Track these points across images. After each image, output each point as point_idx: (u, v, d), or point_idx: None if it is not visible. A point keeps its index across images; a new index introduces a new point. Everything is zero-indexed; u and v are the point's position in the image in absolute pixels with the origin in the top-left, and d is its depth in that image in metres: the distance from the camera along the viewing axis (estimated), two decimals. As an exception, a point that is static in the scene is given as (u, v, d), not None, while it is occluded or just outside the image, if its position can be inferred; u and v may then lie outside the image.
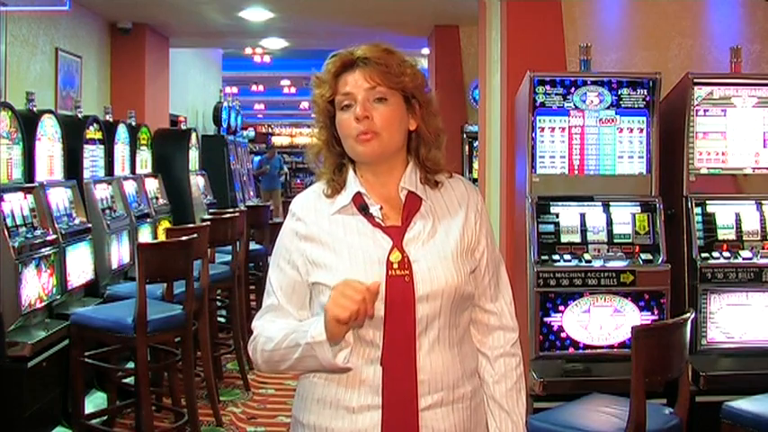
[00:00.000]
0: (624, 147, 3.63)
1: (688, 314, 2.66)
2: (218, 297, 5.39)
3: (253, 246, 6.10)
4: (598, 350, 3.43)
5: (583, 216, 3.55)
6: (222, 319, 5.95)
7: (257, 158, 16.17)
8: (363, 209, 1.63)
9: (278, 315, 1.67)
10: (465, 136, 7.13)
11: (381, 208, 1.63)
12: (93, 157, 5.13)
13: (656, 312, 3.42)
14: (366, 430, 1.57)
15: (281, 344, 1.60)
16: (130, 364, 4.25)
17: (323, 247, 1.62)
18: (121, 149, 5.65)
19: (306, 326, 1.57)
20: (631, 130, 3.62)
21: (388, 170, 1.66)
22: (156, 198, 6.24)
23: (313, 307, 1.66)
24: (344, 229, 1.62)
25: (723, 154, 3.65)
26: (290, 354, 1.58)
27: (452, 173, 1.72)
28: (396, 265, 1.57)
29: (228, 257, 5.27)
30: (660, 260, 3.46)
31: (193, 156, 7.42)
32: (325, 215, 1.65)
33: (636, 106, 3.61)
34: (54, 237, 4.13)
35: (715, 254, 3.52)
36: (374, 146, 1.59)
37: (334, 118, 1.64)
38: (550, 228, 3.51)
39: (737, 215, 3.61)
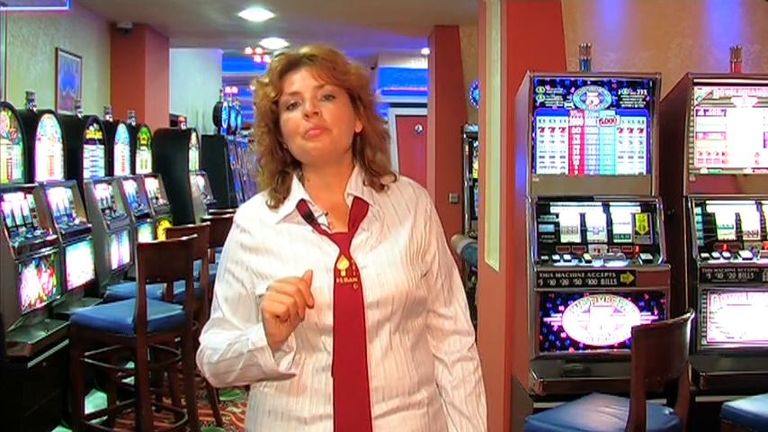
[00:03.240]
0: (624, 147, 3.62)
1: (688, 314, 2.66)
2: (218, 297, 5.39)
3: (253, 246, 6.09)
4: (598, 350, 3.43)
5: (583, 216, 3.55)
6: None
7: None
8: (308, 216, 1.59)
9: (224, 328, 1.64)
10: (465, 136, 7.11)
11: (327, 215, 1.60)
12: (93, 157, 5.14)
13: (656, 312, 3.42)
14: None
15: (226, 354, 1.57)
16: (130, 364, 4.26)
17: (269, 257, 1.58)
18: (121, 149, 5.66)
19: (246, 334, 1.54)
20: (631, 131, 3.62)
21: (336, 172, 1.63)
22: (156, 198, 6.24)
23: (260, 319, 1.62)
24: (290, 239, 1.59)
25: (723, 154, 3.65)
26: (235, 365, 1.55)
27: (398, 176, 1.69)
28: (344, 273, 1.53)
29: (228, 257, 5.27)
30: (660, 260, 3.46)
31: (193, 156, 7.43)
32: (270, 225, 1.61)
33: (636, 106, 3.61)
34: (54, 237, 4.14)
35: (715, 254, 3.52)
36: (325, 141, 1.56)
37: (277, 121, 1.61)
38: (550, 228, 3.51)
39: (737, 215, 3.60)
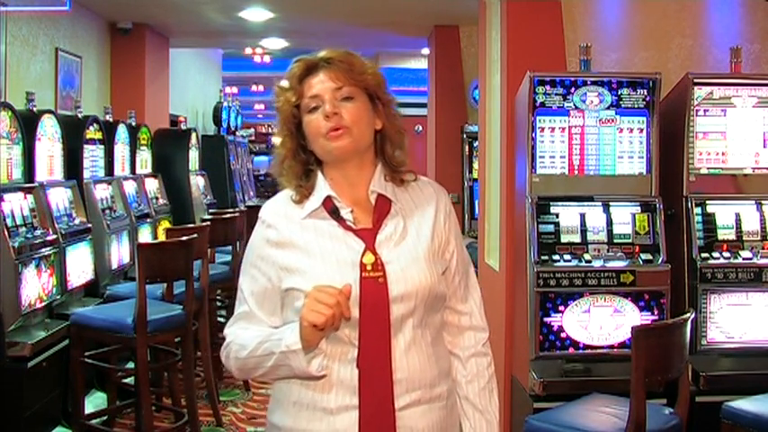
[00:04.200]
0: (624, 147, 3.62)
1: (688, 314, 2.66)
2: (218, 297, 5.39)
3: (253, 246, 6.09)
4: (598, 350, 3.43)
5: (583, 216, 3.55)
6: (222, 319, 5.94)
7: (264, 159, 15.99)
8: (334, 212, 1.65)
9: (250, 322, 1.68)
10: (465, 136, 7.11)
11: (352, 211, 1.65)
12: (93, 157, 5.14)
13: (656, 312, 3.42)
14: (344, 431, 1.58)
15: (255, 352, 1.61)
16: (130, 364, 4.25)
17: (296, 252, 1.63)
18: (121, 149, 5.66)
19: (279, 334, 1.58)
20: (631, 131, 3.62)
21: (358, 170, 1.68)
22: (156, 198, 6.24)
23: (285, 313, 1.66)
24: (316, 234, 1.63)
25: (723, 154, 3.65)
26: (264, 362, 1.60)
27: (418, 175, 1.75)
28: (369, 267, 1.59)
29: (228, 257, 5.27)
30: (660, 260, 3.46)
31: (193, 156, 7.42)
32: (295, 220, 1.66)
33: (636, 106, 3.61)
34: (54, 237, 4.14)
35: (715, 254, 3.52)
36: (346, 141, 1.62)
37: (299, 125, 1.66)
38: (550, 228, 3.51)
39: (737, 215, 3.61)
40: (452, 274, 1.73)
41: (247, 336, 1.64)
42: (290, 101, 1.65)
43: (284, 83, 1.67)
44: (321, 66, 1.64)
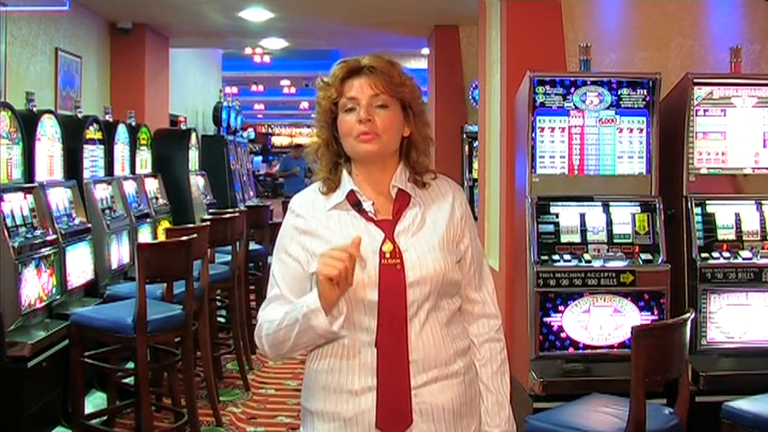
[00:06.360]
0: (624, 147, 3.63)
1: (688, 314, 2.66)
2: (218, 297, 5.38)
3: (253, 246, 6.10)
4: (598, 350, 3.43)
5: (583, 216, 3.55)
6: (222, 319, 5.95)
7: (265, 159, 15.96)
8: (357, 205, 1.78)
9: (281, 303, 1.80)
10: (465, 136, 7.11)
11: (373, 204, 1.79)
12: (93, 157, 5.13)
13: (656, 312, 3.42)
14: (368, 410, 1.71)
15: (282, 323, 1.73)
16: (130, 364, 4.25)
17: (321, 239, 1.76)
18: (121, 149, 5.65)
19: (301, 302, 1.71)
20: (631, 130, 3.62)
21: (382, 169, 1.81)
22: (156, 198, 6.24)
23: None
24: (340, 224, 1.78)
25: (723, 154, 3.65)
26: (291, 331, 1.71)
27: (437, 174, 1.88)
28: (388, 255, 1.73)
29: (228, 257, 5.27)
30: (660, 260, 3.47)
31: (193, 156, 7.42)
32: (321, 211, 1.80)
33: (636, 106, 3.61)
34: (54, 237, 4.13)
35: (715, 254, 3.52)
36: (374, 146, 1.75)
37: (335, 119, 1.79)
38: (550, 228, 3.51)
39: (737, 215, 3.61)
40: (467, 265, 1.86)
41: (276, 313, 1.78)
42: (329, 97, 1.77)
43: (327, 79, 1.80)
44: (363, 71, 1.76)
